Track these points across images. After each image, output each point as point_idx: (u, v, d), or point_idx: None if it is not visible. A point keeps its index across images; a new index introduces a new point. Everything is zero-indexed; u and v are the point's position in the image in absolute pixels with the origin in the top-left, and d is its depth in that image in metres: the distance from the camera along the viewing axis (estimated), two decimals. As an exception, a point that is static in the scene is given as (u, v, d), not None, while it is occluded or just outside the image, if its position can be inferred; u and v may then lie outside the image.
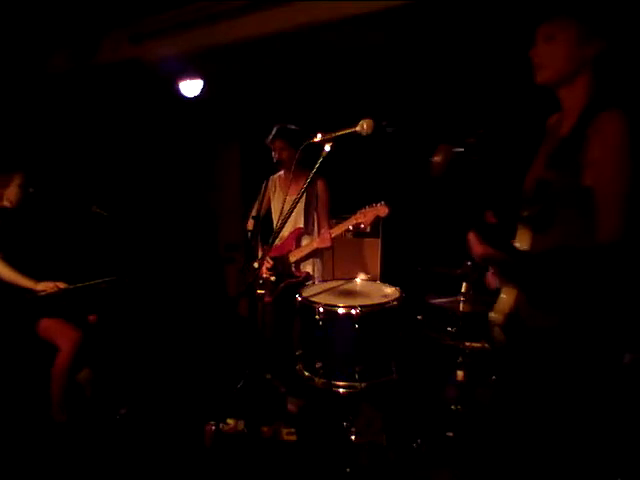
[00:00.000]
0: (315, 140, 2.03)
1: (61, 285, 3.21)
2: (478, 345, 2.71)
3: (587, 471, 1.68)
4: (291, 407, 3.24)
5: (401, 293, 2.63)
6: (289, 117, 3.68)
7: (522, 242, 1.75)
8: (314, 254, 3.39)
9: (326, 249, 3.32)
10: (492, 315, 1.81)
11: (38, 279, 3.21)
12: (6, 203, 3.36)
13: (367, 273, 3.05)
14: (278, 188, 3.61)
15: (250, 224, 3.50)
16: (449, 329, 2.84)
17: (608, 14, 1.62)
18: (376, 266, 4.21)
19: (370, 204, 3.06)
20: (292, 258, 3.36)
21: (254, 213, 3.50)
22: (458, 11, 3.59)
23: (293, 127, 3.50)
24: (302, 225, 3.41)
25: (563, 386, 1.64)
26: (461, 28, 3.72)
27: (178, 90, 5.00)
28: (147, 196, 5.13)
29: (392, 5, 3.66)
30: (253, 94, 4.96)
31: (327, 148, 2.02)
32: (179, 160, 5.51)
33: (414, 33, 3.74)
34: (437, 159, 1.54)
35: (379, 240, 4.29)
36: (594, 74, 1.64)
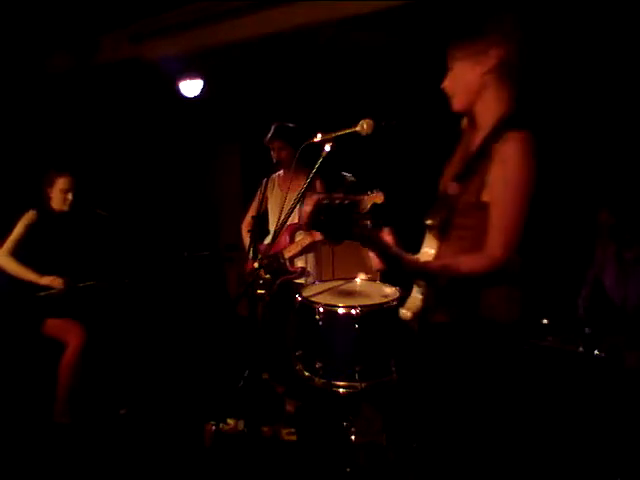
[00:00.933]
0: (315, 140, 2.03)
1: (62, 280, 3.23)
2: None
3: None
4: (289, 407, 3.24)
5: (401, 293, 2.62)
6: (289, 117, 3.68)
7: (430, 247, 1.86)
8: (308, 249, 3.40)
9: (322, 242, 3.34)
10: (402, 311, 1.92)
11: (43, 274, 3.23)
12: (55, 206, 3.39)
13: (367, 273, 3.04)
14: (277, 187, 3.61)
15: (248, 224, 3.50)
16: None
17: (503, 30, 1.64)
18: (376, 266, 4.20)
19: (365, 192, 3.10)
20: (287, 254, 3.37)
21: (253, 213, 3.50)
22: (458, 11, 3.59)
23: (291, 125, 3.50)
24: (297, 220, 3.41)
25: (458, 378, 1.72)
26: (461, 28, 3.72)
27: (178, 90, 5.00)
28: (147, 196, 5.13)
29: (392, 5, 3.66)
30: (253, 94, 4.96)
31: (327, 148, 2.01)
32: (179, 160, 5.51)
33: (414, 33, 3.74)
34: (306, 209, 1.61)
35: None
36: (501, 83, 1.65)
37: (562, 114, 3.82)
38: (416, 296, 1.92)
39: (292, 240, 3.41)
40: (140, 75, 4.85)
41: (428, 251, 1.89)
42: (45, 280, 3.22)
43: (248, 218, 3.57)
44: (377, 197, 3.07)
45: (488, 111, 1.68)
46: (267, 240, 3.47)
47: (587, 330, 2.89)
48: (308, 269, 3.46)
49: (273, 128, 3.49)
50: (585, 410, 2.74)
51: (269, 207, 3.59)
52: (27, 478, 2.78)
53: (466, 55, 1.65)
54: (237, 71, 4.87)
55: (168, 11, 4.44)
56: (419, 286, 1.87)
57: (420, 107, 3.84)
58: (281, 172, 3.61)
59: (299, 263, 3.45)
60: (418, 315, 1.90)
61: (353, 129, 1.88)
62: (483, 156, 1.62)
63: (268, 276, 3.28)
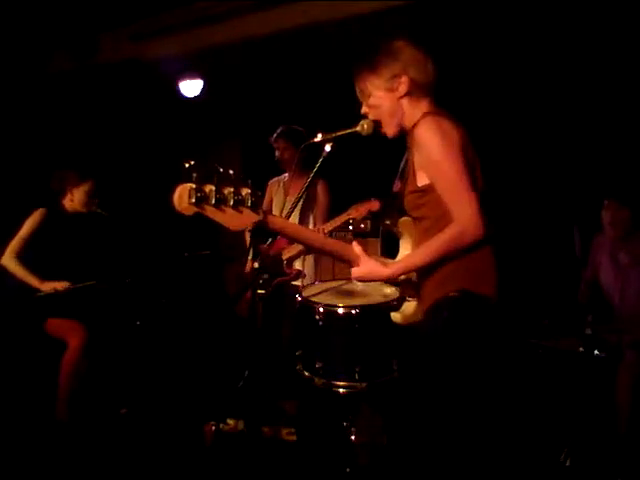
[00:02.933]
0: (315, 140, 2.03)
1: (64, 284, 3.23)
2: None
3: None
4: (288, 408, 3.25)
5: (401, 293, 2.62)
6: (289, 116, 3.68)
7: (404, 248, 1.96)
8: (306, 251, 3.41)
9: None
10: (393, 314, 2.01)
11: (46, 278, 3.23)
12: (67, 205, 3.38)
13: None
14: (281, 189, 3.62)
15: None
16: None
17: (401, 56, 1.78)
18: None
19: (361, 200, 3.16)
20: (285, 255, 3.38)
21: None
22: (458, 11, 3.60)
23: (298, 128, 3.52)
24: (297, 221, 3.42)
25: (434, 358, 1.75)
26: (461, 28, 3.72)
27: (178, 90, 5.00)
28: (147, 196, 5.13)
29: (392, 5, 3.66)
30: (253, 94, 4.97)
31: (327, 148, 2.01)
32: (179, 160, 5.50)
33: (414, 33, 3.74)
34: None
35: (379, 240, 4.28)
36: (417, 99, 1.80)
37: (562, 114, 3.83)
38: (410, 302, 1.96)
39: (290, 242, 3.41)
40: (140, 75, 4.85)
41: (404, 252, 1.98)
42: (46, 287, 3.21)
43: None
44: (373, 205, 3.12)
45: (412, 122, 1.79)
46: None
47: (588, 331, 2.89)
48: (305, 271, 3.46)
49: (280, 129, 3.52)
50: (585, 410, 2.74)
51: (273, 209, 3.62)
52: (27, 477, 2.78)
53: (378, 86, 1.80)
54: (237, 70, 4.86)
55: (168, 11, 4.44)
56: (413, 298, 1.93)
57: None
58: (287, 174, 3.62)
59: (297, 265, 3.46)
60: (410, 318, 1.96)
61: (353, 129, 1.88)
62: (409, 148, 1.79)
63: (266, 276, 3.30)
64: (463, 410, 1.71)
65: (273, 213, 3.57)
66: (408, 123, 1.81)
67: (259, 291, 2.68)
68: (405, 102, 1.80)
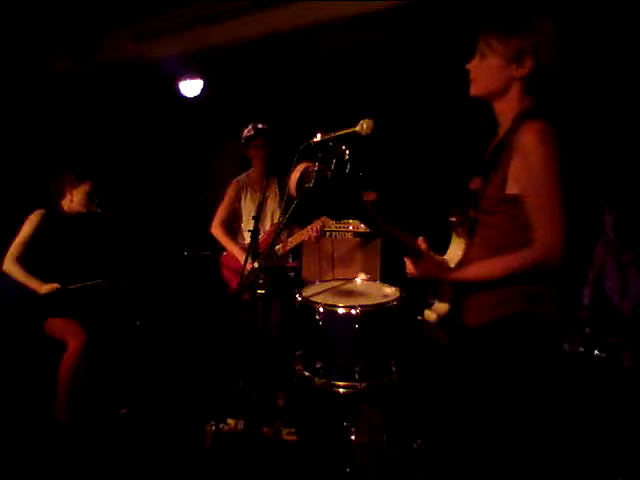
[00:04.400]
0: (315, 140, 2.03)
1: (55, 286, 3.23)
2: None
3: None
4: (280, 402, 3.26)
5: (401, 293, 2.63)
6: (289, 115, 3.69)
7: (457, 247, 1.84)
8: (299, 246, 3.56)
9: (316, 239, 3.44)
10: (427, 312, 1.87)
11: (45, 280, 3.23)
12: (66, 206, 3.38)
13: (367, 273, 3.05)
14: (249, 189, 3.66)
15: (221, 225, 3.62)
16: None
17: (540, 33, 1.63)
18: (376, 266, 4.21)
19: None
20: (281, 250, 3.44)
21: (224, 215, 3.62)
22: (458, 11, 3.59)
23: (268, 127, 3.60)
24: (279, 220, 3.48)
25: (496, 379, 1.68)
26: (461, 28, 3.72)
27: (178, 89, 5.00)
28: (147, 196, 5.13)
29: (392, 5, 3.66)
30: (253, 94, 4.96)
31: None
32: (179, 160, 5.51)
33: (414, 33, 3.74)
34: (296, 175, 1.51)
35: (379, 240, 4.28)
36: (527, 88, 1.67)
37: (563, 118, 3.82)
38: (444, 303, 1.86)
39: (277, 238, 3.43)
40: (141, 75, 4.85)
41: (456, 252, 1.85)
42: (45, 289, 3.21)
43: (219, 220, 3.64)
44: (369, 196, 3.21)
45: (510, 110, 1.68)
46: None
47: (587, 330, 2.89)
48: (298, 264, 3.64)
49: (253, 127, 3.55)
50: (585, 410, 2.74)
51: (243, 209, 3.65)
52: (28, 477, 2.78)
53: (501, 51, 1.64)
54: (237, 71, 4.86)
55: (168, 11, 4.44)
56: (444, 294, 1.84)
57: (420, 107, 3.85)
58: (250, 173, 3.68)
59: (289, 259, 3.60)
60: (444, 318, 1.85)
61: (353, 129, 1.88)
62: (503, 149, 1.63)
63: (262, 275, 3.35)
64: (516, 432, 1.67)
65: (245, 212, 3.62)
66: (504, 107, 1.69)
67: (259, 291, 2.68)
68: (516, 87, 1.66)
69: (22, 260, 3.24)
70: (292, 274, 3.63)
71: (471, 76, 1.73)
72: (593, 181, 3.58)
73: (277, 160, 3.59)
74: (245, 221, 3.64)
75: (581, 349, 2.83)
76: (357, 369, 2.41)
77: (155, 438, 3.10)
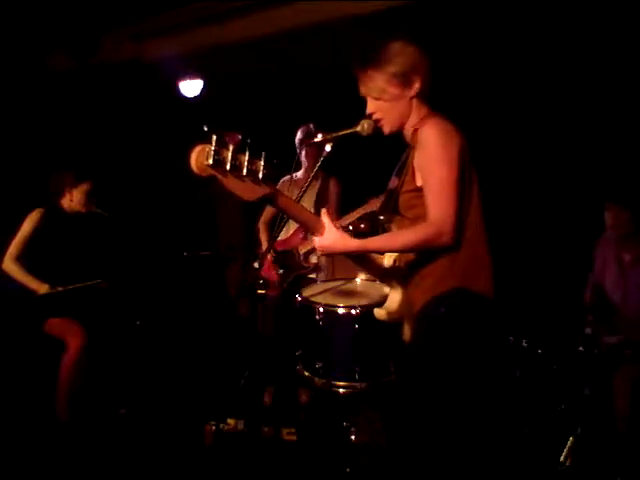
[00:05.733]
0: (315, 140, 2.04)
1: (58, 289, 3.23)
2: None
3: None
4: (266, 399, 3.27)
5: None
6: (289, 115, 3.69)
7: None
8: None
9: None
10: (376, 311, 2.03)
11: (45, 279, 3.23)
12: (65, 205, 3.38)
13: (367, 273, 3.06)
14: (292, 187, 3.64)
15: (266, 222, 3.62)
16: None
17: (406, 53, 1.77)
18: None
19: (377, 195, 3.18)
20: (302, 249, 3.41)
21: (270, 213, 3.59)
22: (458, 11, 3.60)
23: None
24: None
25: (434, 355, 1.76)
26: (461, 28, 3.72)
27: (178, 89, 5.00)
28: (147, 196, 5.13)
29: (392, 5, 3.66)
30: (253, 94, 4.96)
31: (327, 148, 2.02)
32: (179, 159, 5.50)
33: (414, 33, 3.74)
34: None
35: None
36: (420, 100, 1.81)
37: (563, 117, 3.83)
38: (393, 296, 1.95)
39: (306, 238, 3.44)
40: (140, 75, 4.85)
41: None
42: (45, 289, 3.21)
43: (266, 217, 3.63)
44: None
45: (410, 123, 1.82)
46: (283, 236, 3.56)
47: (587, 330, 2.89)
48: (321, 264, 3.51)
49: (303, 131, 3.52)
50: (585, 410, 2.74)
51: None
52: (27, 477, 2.78)
53: (391, 82, 1.77)
54: (237, 71, 4.86)
55: (168, 11, 4.44)
56: (394, 286, 1.94)
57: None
58: (299, 173, 3.62)
59: (313, 259, 3.51)
60: (394, 314, 1.95)
61: (353, 129, 1.88)
62: (410, 147, 1.78)
63: (281, 271, 3.37)
64: (460, 409, 1.72)
65: None
66: (409, 124, 1.82)
67: (259, 291, 2.69)
68: (415, 102, 1.80)
69: (22, 259, 3.23)
70: (314, 275, 3.51)
71: (375, 117, 1.83)
72: (594, 179, 3.58)
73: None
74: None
75: (581, 349, 2.83)
76: (357, 369, 2.41)
77: (155, 438, 3.09)
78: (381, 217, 1.94)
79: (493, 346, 1.83)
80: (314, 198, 3.50)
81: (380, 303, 2.49)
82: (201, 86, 5.03)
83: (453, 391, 1.72)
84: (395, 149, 1.92)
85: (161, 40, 4.65)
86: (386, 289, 2.71)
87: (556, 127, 3.88)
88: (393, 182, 1.88)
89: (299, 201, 2.14)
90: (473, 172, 1.76)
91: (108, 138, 5.20)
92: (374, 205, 3.23)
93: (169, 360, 3.95)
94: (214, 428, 2.94)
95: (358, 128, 1.87)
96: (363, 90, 1.83)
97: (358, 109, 1.88)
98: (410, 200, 1.77)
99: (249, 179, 1.56)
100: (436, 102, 1.84)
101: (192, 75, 4.99)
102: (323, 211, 1.79)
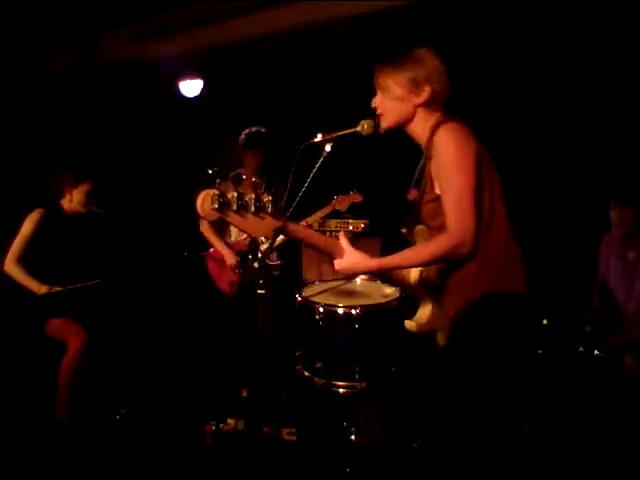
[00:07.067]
0: (315, 140, 2.03)
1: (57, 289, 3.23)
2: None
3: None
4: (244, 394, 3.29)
5: (401, 293, 2.62)
6: (289, 115, 3.69)
7: None
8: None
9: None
10: (407, 323, 1.99)
11: (46, 279, 3.22)
12: (65, 206, 3.38)
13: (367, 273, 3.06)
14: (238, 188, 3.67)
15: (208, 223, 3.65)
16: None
17: (426, 62, 1.78)
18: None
19: (345, 193, 3.38)
20: (262, 247, 3.43)
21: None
22: (459, 12, 3.60)
23: (263, 130, 3.64)
24: None
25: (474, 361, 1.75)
26: (461, 29, 3.72)
27: (178, 89, 5.00)
28: (147, 196, 5.13)
29: (392, 5, 3.66)
30: (253, 94, 4.96)
31: (327, 148, 2.02)
32: (179, 159, 5.51)
33: (414, 33, 3.74)
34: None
35: (379, 240, 4.28)
36: (429, 110, 1.80)
37: (568, 116, 3.82)
38: (423, 309, 1.94)
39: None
40: (140, 75, 4.85)
41: None
42: (44, 290, 3.21)
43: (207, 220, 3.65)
44: (355, 197, 3.36)
45: (422, 130, 1.81)
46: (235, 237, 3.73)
47: (587, 328, 2.89)
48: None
49: (251, 134, 3.57)
50: (584, 410, 2.74)
51: None
52: (27, 478, 2.78)
53: (398, 85, 1.78)
54: (237, 71, 4.86)
55: (168, 11, 4.44)
56: (423, 298, 1.93)
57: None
58: (243, 175, 3.68)
59: (273, 257, 3.64)
60: (424, 326, 1.94)
61: (353, 129, 1.89)
62: (427, 156, 1.78)
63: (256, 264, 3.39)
64: (495, 411, 1.72)
65: None
66: (421, 132, 1.81)
67: (259, 291, 2.69)
68: (420, 112, 1.80)
69: (23, 260, 3.23)
70: (277, 273, 3.65)
71: (378, 112, 1.85)
72: (599, 178, 3.58)
73: (269, 161, 3.62)
74: None
75: (581, 349, 2.83)
76: (357, 369, 2.41)
77: (155, 438, 3.09)
78: (403, 230, 1.94)
79: (528, 346, 1.83)
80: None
81: (380, 303, 2.52)
82: (201, 86, 5.03)
83: (489, 394, 1.72)
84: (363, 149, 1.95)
85: (161, 40, 4.65)
86: (387, 289, 2.73)
87: (561, 126, 3.88)
88: (412, 193, 1.89)
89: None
90: (493, 173, 1.75)
91: (108, 138, 5.20)
92: (341, 203, 3.36)
93: (169, 360, 3.95)
94: (214, 428, 2.94)
95: (358, 128, 1.87)
96: (375, 82, 1.84)
97: (358, 109, 1.89)
98: (434, 209, 1.77)
99: (258, 216, 1.58)
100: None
101: (192, 75, 4.99)
102: (341, 234, 1.81)
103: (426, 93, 1.77)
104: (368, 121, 1.86)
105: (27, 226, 3.26)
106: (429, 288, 1.91)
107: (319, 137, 2.01)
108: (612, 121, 3.69)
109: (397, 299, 2.55)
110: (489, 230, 1.69)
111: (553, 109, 3.87)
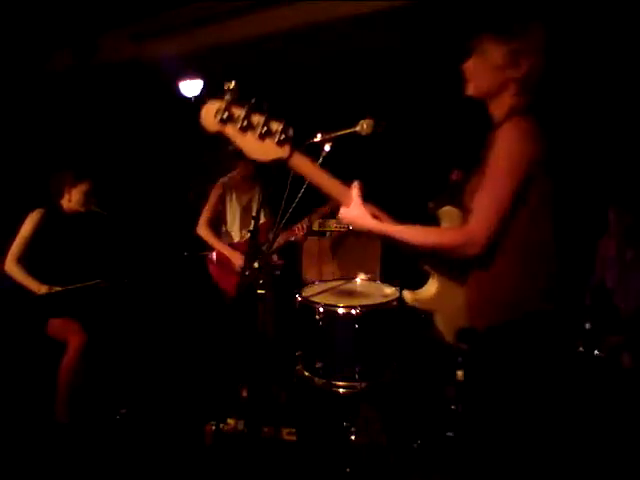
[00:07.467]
0: (315, 140, 2.04)
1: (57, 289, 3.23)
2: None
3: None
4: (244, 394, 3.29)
5: (401, 293, 2.62)
6: (289, 115, 3.68)
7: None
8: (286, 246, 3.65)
9: (302, 237, 3.58)
10: (406, 293, 1.84)
11: (45, 279, 3.22)
12: (65, 205, 3.38)
13: (367, 273, 3.06)
14: (234, 191, 3.71)
15: (207, 225, 3.68)
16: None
17: (534, 37, 1.66)
18: (376, 266, 4.21)
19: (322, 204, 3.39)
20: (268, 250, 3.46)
21: (209, 215, 3.68)
22: (459, 11, 3.59)
23: None
24: (267, 219, 3.56)
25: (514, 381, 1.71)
26: (461, 29, 3.72)
27: (178, 89, 5.00)
28: (147, 196, 5.13)
29: (392, 5, 3.66)
30: (253, 94, 4.96)
31: (327, 148, 2.02)
32: (179, 158, 5.51)
33: (414, 34, 3.74)
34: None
35: (379, 240, 4.28)
36: (521, 88, 1.68)
37: (566, 120, 3.82)
38: (430, 286, 1.83)
39: (266, 237, 3.47)
40: (140, 75, 4.85)
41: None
42: (43, 290, 3.20)
43: (205, 220, 3.69)
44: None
45: (502, 110, 1.69)
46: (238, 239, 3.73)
47: (587, 326, 2.90)
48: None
49: None
50: (584, 410, 2.74)
51: (228, 210, 3.71)
52: (27, 478, 2.78)
53: (498, 54, 1.66)
54: (237, 71, 4.86)
55: (168, 11, 4.44)
56: (436, 278, 1.82)
57: (420, 107, 3.84)
58: (235, 176, 3.72)
59: (274, 258, 3.66)
60: (422, 303, 1.83)
61: (353, 129, 1.89)
62: (487, 146, 1.65)
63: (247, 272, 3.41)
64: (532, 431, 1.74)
65: (231, 213, 3.69)
66: (499, 114, 1.70)
67: (259, 291, 2.69)
68: (511, 87, 1.67)
69: (23, 260, 3.23)
70: (278, 272, 3.66)
71: (467, 76, 1.73)
72: (598, 179, 3.58)
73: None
74: (230, 222, 3.71)
75: (581, 349, 2.83)
76: (357, 369, 2.41)
77: (155, 438, 3.09)
78: (431, 205, 1.88)
79: (558, 363, 1.78)
80: (258, 197, 3.63)
81: (380, 303, 2.52)
82: (201, 86, 5.03)
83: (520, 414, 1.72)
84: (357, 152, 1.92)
85: (161, 40, 4.65)
86: (387, 289, 2.73)
87: (559, 129, 3.87)
88: (455, 174, 1.88)
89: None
90: (544, 182, 1.66)
91: (108, 138, 5.20)
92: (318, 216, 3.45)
93: (169, 360, 3.95)
94: (214, 428, 2.94)
95: (357, 128, 1.87)
96: (472, 44, 1.72)
97: (358, 109, 1.88)
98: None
99: (263, 140, 1.53)
100: (434, 101, 1.84)
101: (192, 75, 4.99)
102: (354, 184, 1.70)
103: (523, 68, 1.64)
104: (367, 121, 1.85)
105: (27, 226, 3.26)
106: (447, 271, 1.80)
107: (319, 137, 2.01)
108: (611, 124, 3.69)
109: (397, 299, 2.55)
110: (527, 237, 1.61)
111: (551, 112, 3.87)
